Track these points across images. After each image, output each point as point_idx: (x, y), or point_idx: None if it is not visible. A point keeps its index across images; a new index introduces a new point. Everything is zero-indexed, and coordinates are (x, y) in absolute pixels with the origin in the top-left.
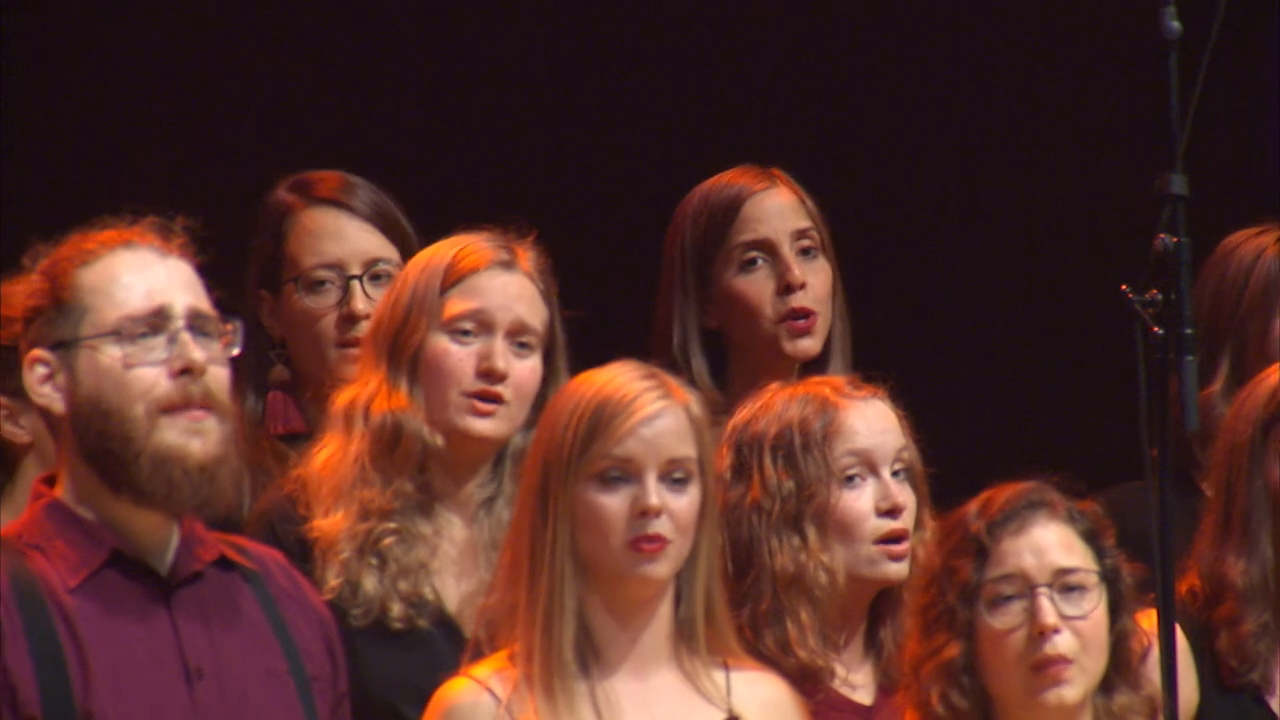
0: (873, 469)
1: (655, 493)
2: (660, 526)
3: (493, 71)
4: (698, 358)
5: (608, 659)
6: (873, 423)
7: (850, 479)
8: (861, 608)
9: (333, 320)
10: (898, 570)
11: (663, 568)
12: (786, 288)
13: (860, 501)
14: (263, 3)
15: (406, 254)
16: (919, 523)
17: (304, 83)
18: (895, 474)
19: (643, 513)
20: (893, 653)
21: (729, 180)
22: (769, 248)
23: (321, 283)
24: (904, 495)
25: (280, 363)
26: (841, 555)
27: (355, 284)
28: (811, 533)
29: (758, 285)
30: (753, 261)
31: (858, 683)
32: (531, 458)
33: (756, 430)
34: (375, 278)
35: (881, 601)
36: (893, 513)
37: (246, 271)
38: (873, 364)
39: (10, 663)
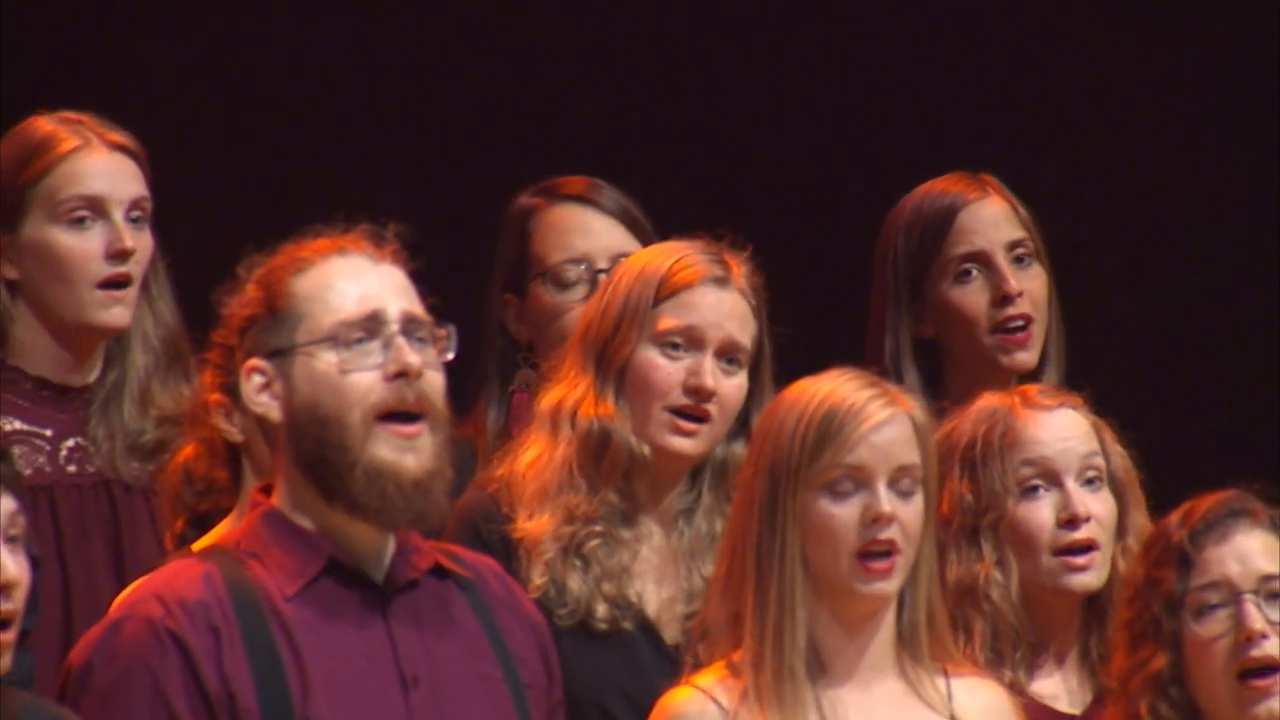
0: (1054, 479)
1: (886, 500)
2: (892, 533)
3: (707, 82)
4: (911, 368)
5: (834, 668)
6: (1056, 431)
7: (1030, 490)
8: (1061, 619)
9: (578, 314)
10: (1082, 581)
11: (893, 584)
12: (1003, 299)
13: (1039, 513)
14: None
15: None
16: (1123, 530)
17: (531, 88)
18: (1087, 483)
19: (875, 519)
20: (1096, 663)
21: (941, 190)
22: (984, 259)
23: (569, 277)
24: (1092, 505)
25: (526, 366)
26: (1020, 568)
27: (602, 278)
28: (987, 546)
29: (973, 297)
30: (968, 273)
31: (1064, 692)
32: (752, 465)
33: (950, 443)
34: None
35: (1090, 611)
36: (1072, 523)
37: (489, 277)
38: (1089, 372)
39: (229, 670)
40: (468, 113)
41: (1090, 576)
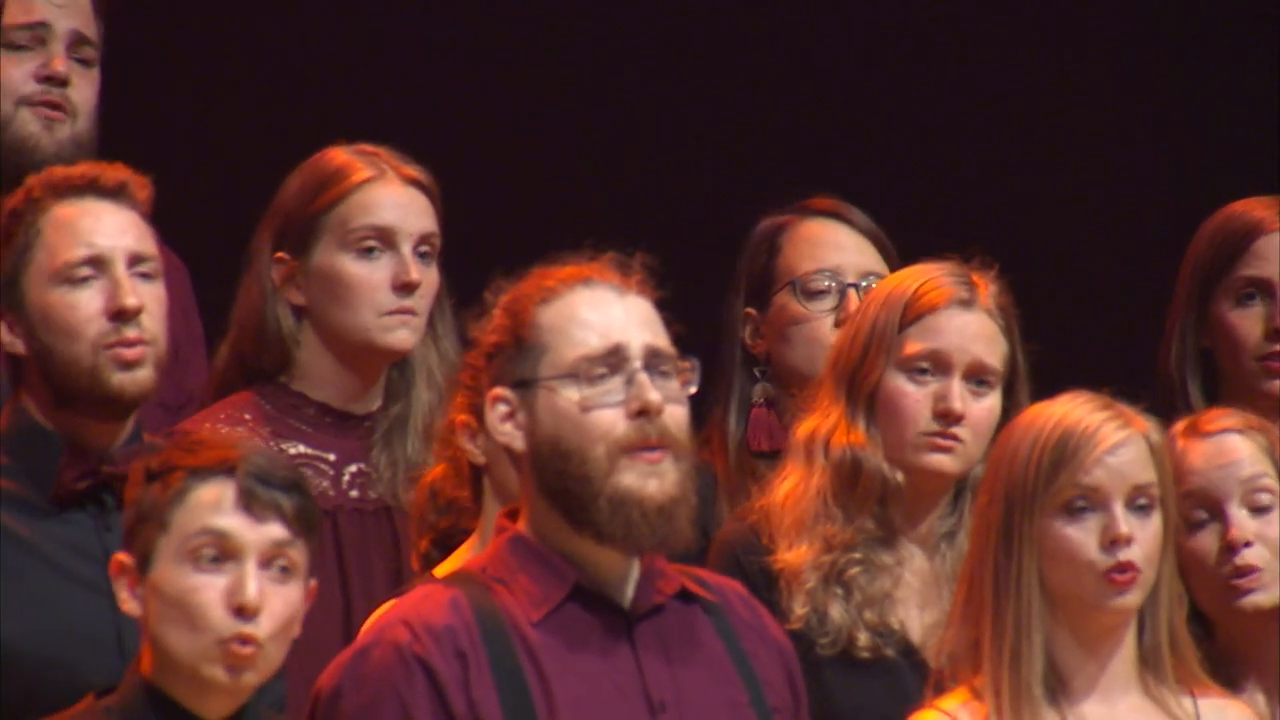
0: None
1: (1124, 520)
2: (1131, 554)
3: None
4: (1193, 376)
5: (1074, 688)
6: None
7: (1198, 523)
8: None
9: (829, 325)
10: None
11: (1134, 598)
12: (1275, 332)
13: (1201, 542)
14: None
15: None
16: None
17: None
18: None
19: (1113, 541)
20: None
21: (1249, 210)
22: (1267, 288)
23: (818, 286)
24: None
25: (764, 380)
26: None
27: (851, 292)
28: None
29: (1249, 322)
30: (1250, 296)
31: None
32: (988, 492)
33: None
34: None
35: None
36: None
37: (732, 292)
38: None
39: (476, 696)
40: (714, 139)
41: (1261, 596)
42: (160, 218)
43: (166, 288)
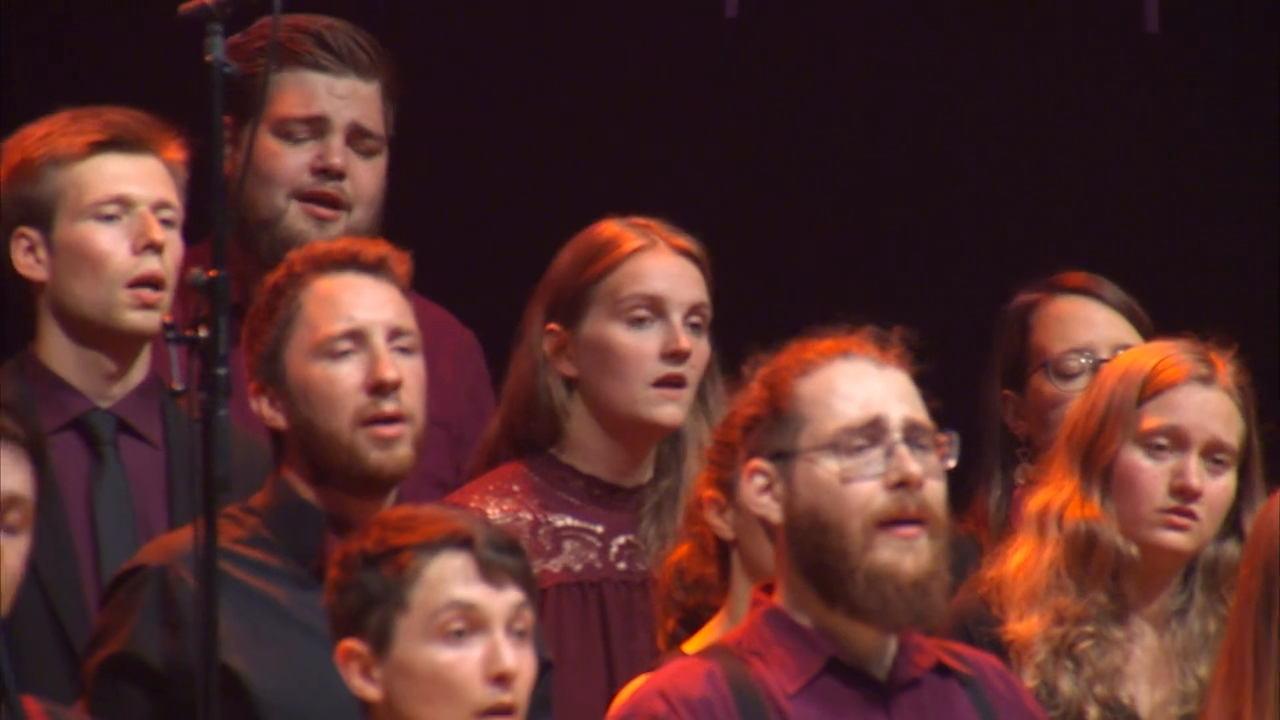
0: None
1: None
2: None
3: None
4: None
5: None
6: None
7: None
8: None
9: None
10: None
11: None
12: None
13: None
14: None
15: None
16: None
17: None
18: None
19: None
20: None
21: None
22: None
23: (1072, 368)
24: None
25: (1026, 460)
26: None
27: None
28: None
29: None
30: None
31: None
32: (1248, 565)
33: None
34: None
35: None
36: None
37: (989, 373)
38: None
39: None
40: (969, 218)
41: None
42: (437, 292)
43: (457, 365)
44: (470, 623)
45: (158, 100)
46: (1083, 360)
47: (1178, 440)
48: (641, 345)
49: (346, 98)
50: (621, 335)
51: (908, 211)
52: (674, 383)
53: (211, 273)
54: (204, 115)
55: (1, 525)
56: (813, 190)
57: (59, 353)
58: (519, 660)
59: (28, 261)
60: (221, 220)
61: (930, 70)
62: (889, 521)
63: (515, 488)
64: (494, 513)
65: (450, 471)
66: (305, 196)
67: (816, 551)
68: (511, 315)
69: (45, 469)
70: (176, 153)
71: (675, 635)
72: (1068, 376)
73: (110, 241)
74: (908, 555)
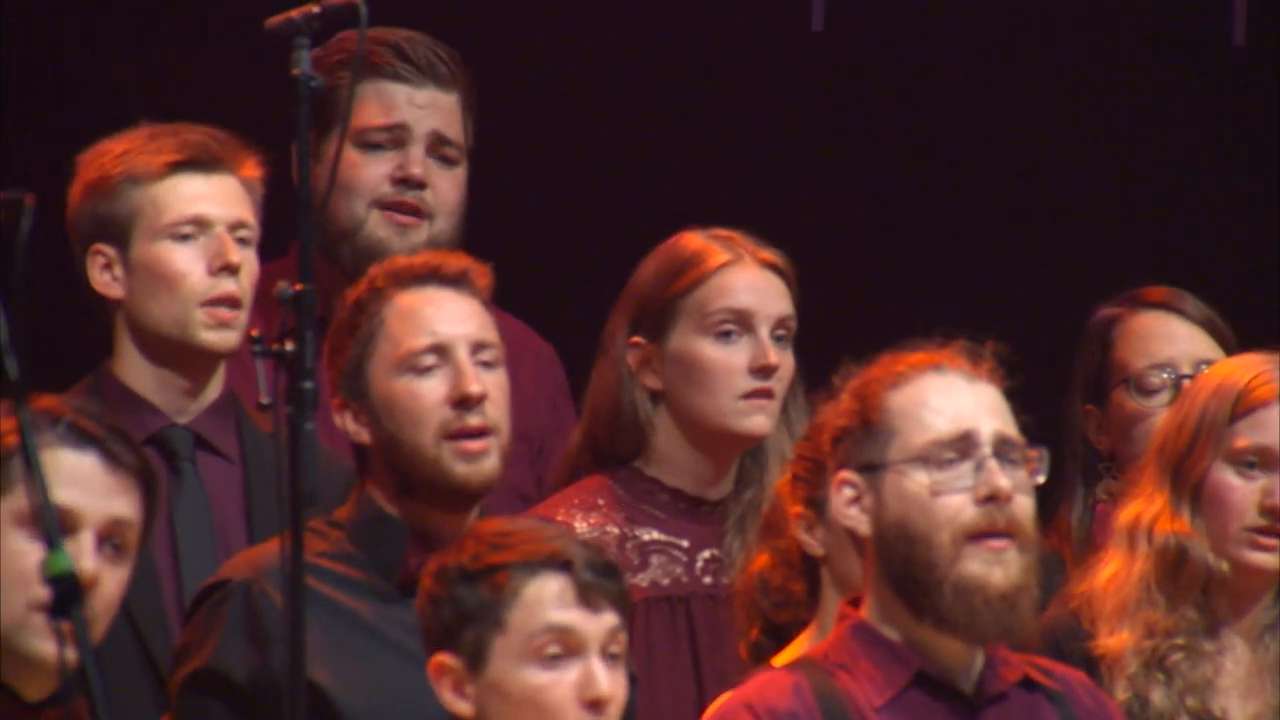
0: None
1: None
2: None
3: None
4: None
5: None
6: None
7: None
8: None
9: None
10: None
11: None
12: None
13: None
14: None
15: None
16: None
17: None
18: None
19: None
20: None
21: None
22: None
23: (1153, 384)
24: None
25: (1108, 476)
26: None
27: (1186, 384)
28: None
29: None
30: None
31: None
32: None
33: None
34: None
35: None
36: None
37: (1071, 388)
38: None
39: None
40: (1055, 230)
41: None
42: (515, 305)
43: (537, 378)
44: (566, 647)
45: (234, 114)
46: (1164, 376)
47: (1268, 460)
48: (729, 360)
49: (426, 107)
50: (709, 350)
51: (994, 224)
52: (762, 395)
53: (298, 286)
54: (281, 129)
55: (106, 550)
56: (899, 202)
57: (136, 369)
58: (613, 685)
59: (104, 279)
60: (307, 234)
61: (1016, 84)
62: (978, 535)
63: (600, 501)
64: (581, 526)
65: (532, 484)
66: (386, 206)
67: (904, 564)
68: (588, 328)
69: (153, 504)
70: (254, 170)
71: (759, 645)
72: (1149, 392)
73: (186, 262)
74: (996, 568)
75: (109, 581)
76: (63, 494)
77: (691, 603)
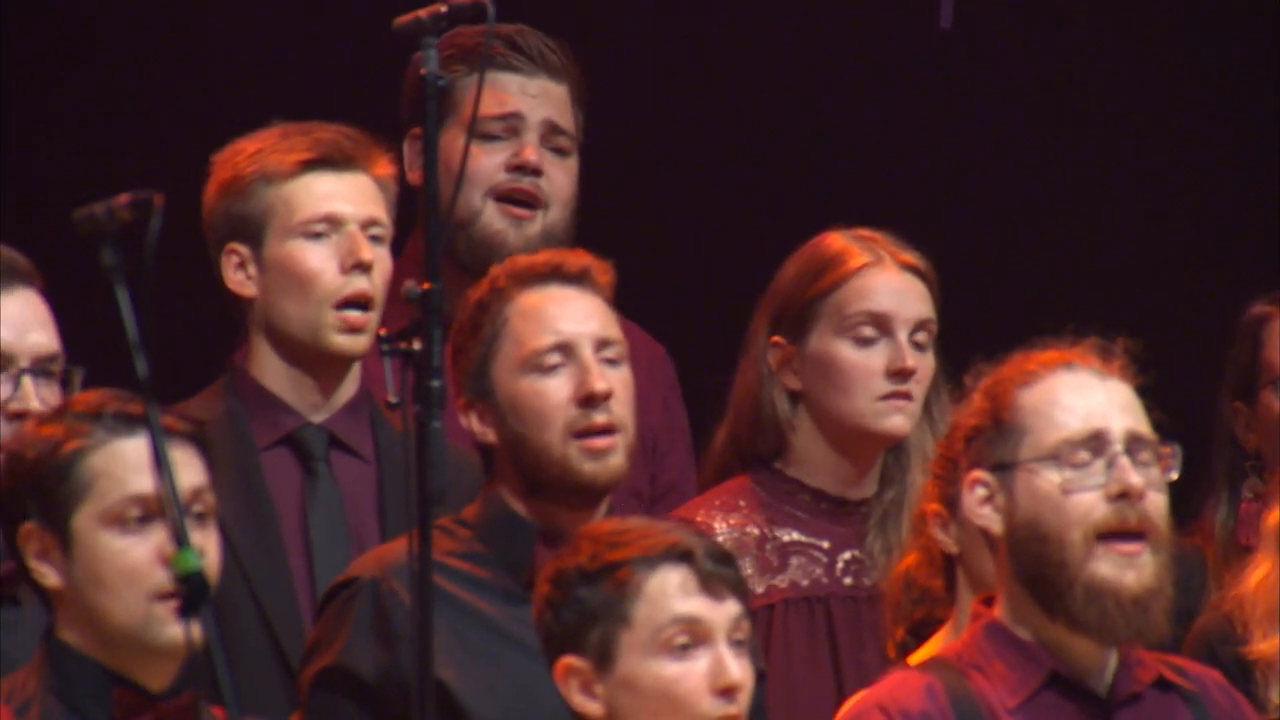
0: None
1: None
2: None
3: None
4: None
5: None
6: None
7: None
8: None
9: None
10: None
11: None
12: None
13: None
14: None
15: None
16: None
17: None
18: None
19: None
20: None
21: None
22: None
23: None
24: None
25: (1254, 474)
26: None
27: None
28: None
29: None
30: None
31: None
32: None
33: None
34: None
35: None
36: None
37: (1220, 385)
38: None
39: None
40: (1198, 227)
41: None
42: (641, 307)
43: (649, 377)
44: (694, 636)
45: (357, 112)
46: None
47: None
48: (867, 363)
49: (539, 96)
50: (847, 352)
51: (1136, 220)
52: (901, 397)
53: (425, 285)
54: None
55: (192, 518)
56: (1036, 199)
57: (270, 368)
58: (742, 671)
59: (238, 278)
60: (434, 230)
61: (1151, 77)
62: (1109, 534)
63: (741, 502)
64: (720, 527)
65: (645, 483)
66: (501, 195)
67: (1036, 563)
68: (702, 330)
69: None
70: (386, 168)
71: (905, 645)
72: None
73: (319, 260)
74: (1129, 571)
75: (210, 549)
76: (142, 481)
77: (831, 603)
